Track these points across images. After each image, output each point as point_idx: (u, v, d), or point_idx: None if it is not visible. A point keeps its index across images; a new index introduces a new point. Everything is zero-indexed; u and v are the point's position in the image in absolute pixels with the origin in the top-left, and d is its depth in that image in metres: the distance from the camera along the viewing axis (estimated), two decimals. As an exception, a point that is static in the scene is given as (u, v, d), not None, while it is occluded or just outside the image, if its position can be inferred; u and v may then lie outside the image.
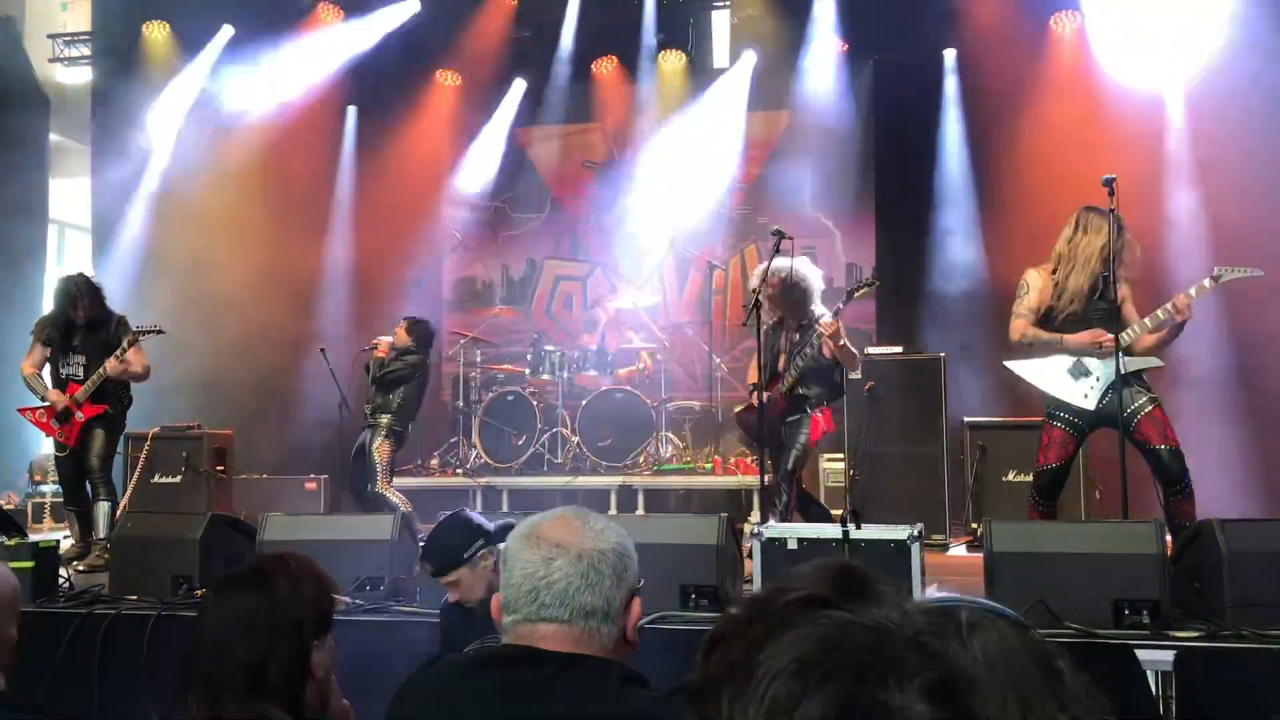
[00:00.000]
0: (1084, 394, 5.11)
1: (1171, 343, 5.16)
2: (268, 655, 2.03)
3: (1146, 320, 5.03)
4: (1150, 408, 4.99)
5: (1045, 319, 5.25)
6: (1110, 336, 4.98)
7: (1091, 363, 5.12)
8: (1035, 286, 5.28)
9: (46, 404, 6.63)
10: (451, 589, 3.36)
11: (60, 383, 6.65)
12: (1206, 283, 4.96)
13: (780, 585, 0.91)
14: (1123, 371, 4.97)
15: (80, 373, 6.62)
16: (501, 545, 1.80)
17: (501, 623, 1.70)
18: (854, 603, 0.88)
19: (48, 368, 6.75)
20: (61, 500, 7.47)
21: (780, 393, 6.11)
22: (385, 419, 7.52)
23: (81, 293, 6.64)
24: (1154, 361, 5.12)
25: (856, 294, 6.12)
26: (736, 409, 6.66)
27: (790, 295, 6.09)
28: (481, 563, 3.32)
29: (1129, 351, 5.05)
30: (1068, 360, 5.17)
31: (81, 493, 6.67)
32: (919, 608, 0.93)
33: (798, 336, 6.13)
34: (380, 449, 7.46)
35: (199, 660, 2.05)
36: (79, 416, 6.56)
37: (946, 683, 0.84)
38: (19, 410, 6.90)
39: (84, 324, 6.64)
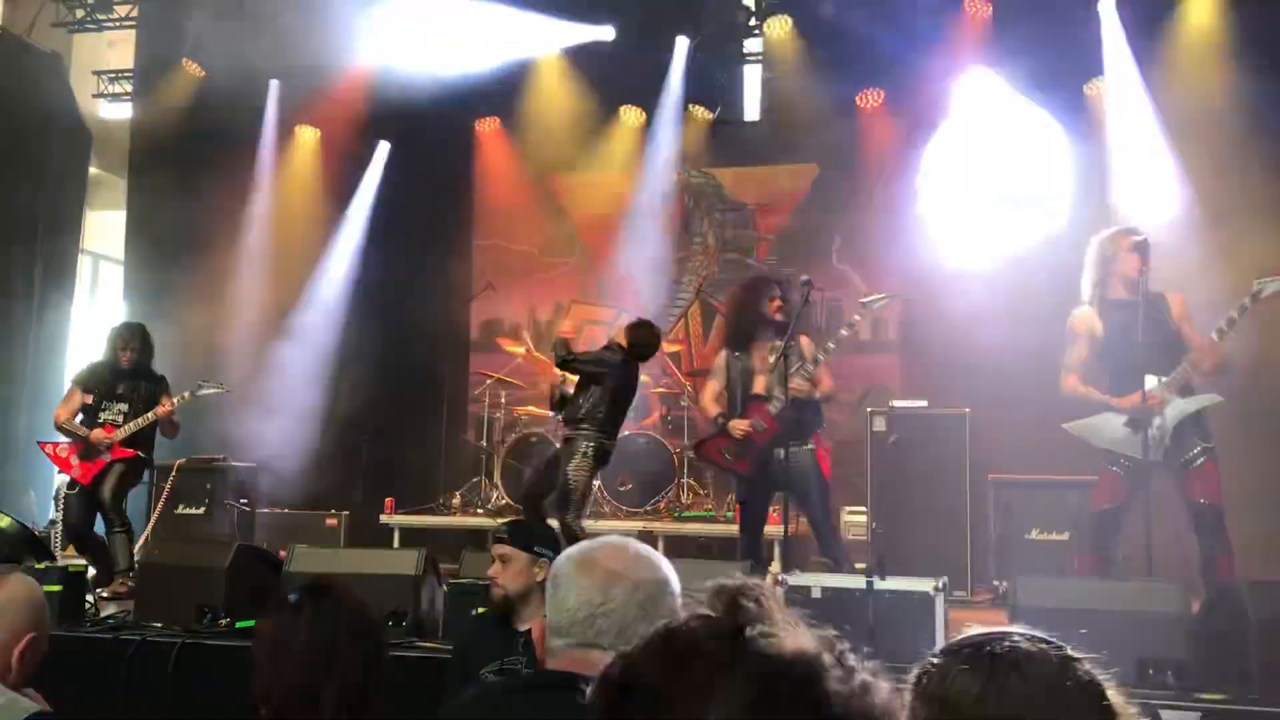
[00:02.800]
0: (1145, 444, 5.05)
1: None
2: (364, 660, 2.07)
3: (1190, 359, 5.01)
4: (1202, 460, 4.95)
5: (1104, 355, 5.22)
6: (1156, 396, 4.95)
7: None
8: (1083, 332, 5.25)
9: (70, 440, 6.72)
10: (498, 566, 3.43)
11: (94, 425, 6.75)
12: (1246, 301, 4.87)
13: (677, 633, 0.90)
14: (1181, 415, 4.95)
15: (120, 419, 6.74)
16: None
17: (547, 646, 1.71)
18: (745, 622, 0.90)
19: (80, 415, 6.84)
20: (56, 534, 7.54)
21: (769, 415, 5.74)
22: (585, 430, 6.34)
23: (133, 336, 6.81)
24: (1213, 398, 5.06)
25: (874, 305, 5.85)
26: (698, 441, 6.30)
27: (792, 308, 5.91)
28: (538, 566, 3.40)
29: (1187, 389, 5.03)
30: (1125, 412, 5.12)
31: (85, 538, 6.72)
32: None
33: (774, 358, 5.77)
34: (578, 470, 6.28)
35: (281, 668, 2.06)
36: (106, 457, 6.64)
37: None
38: (40, 444, 7.01)
39: (129, 369, 6.76)
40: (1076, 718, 1.00)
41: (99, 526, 6.81)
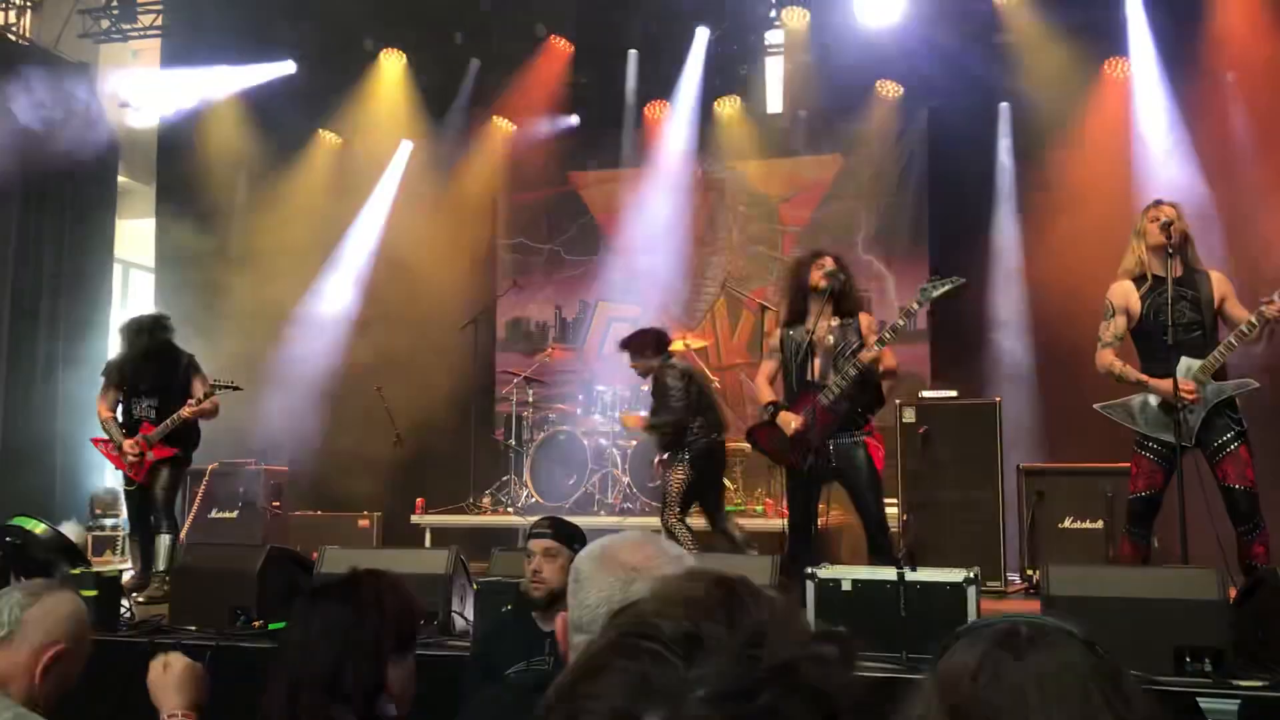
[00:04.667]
0: (1180, 431, 4.98)
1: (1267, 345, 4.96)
2: (346, 664, 2.07)
3: (1231, 339, 4.91)
4: (1235, 444, 4.89)
5: (1141, 334, 5.15)
6: (1193, 395, 4.87)
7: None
8: (1120, 306, 5.16)
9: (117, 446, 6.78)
10: (540, 560, 3.42)
11: (134, 423, 6.79)
12: (1277, 297, 4.79)
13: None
14: (1216, 399, 4.89)
15: (153, 414, 6.76)
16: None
17: (570, 642, 1.71)
18: None
19: (119, 408, 6.90)
20: (124, 533, 7.64)
21: (823, 406, 5.49)
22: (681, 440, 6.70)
23: (146, 325, 6.82)
24: (1249, 383, 4.99)
25: (937, 292, 5.46)
26: (750, 428, 6.14)
27: (846, 281, 5.67)
28: None
29: (1221, 373, 4.96)
30: (1159, 395, 5.04)
31: (147, 525, 6.79)
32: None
33: (831, 340, 5.59)
34: (674, 476, 6.64)
35: (283, 663, 2.09)
36: (150, 457, 6.70)
37: None
38: (92, 440, 7.07)
39: (152, 357, 6.77)
40: (1070, 713, 0.97)
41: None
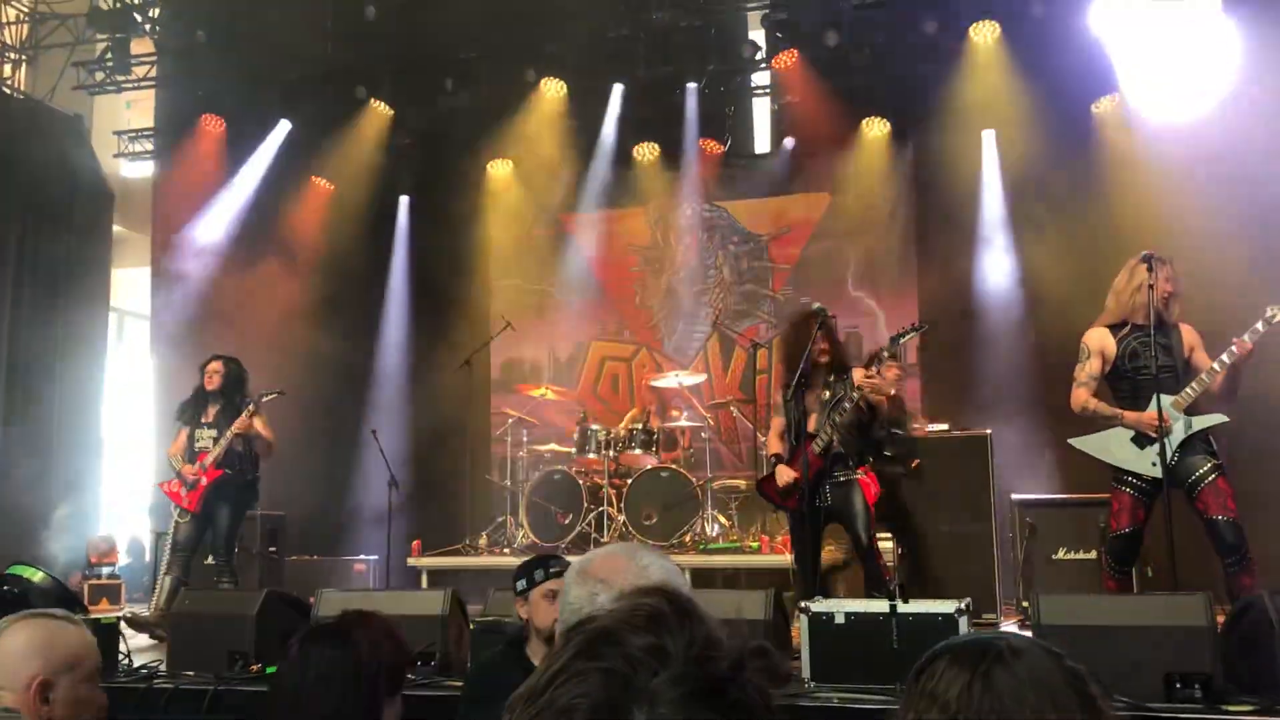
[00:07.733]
0: (1151, 462, 5.06)
1: (1237, 387, 5.06)
2: (343, 708, 2.11)
3: (1203, 375, 5.01)
4: (1213, 476, 4.96)
5: (1115, 376, 5.25)
6: (1165, 416, 4.95)
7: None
8: (1095, 349, 5.29)
9: (177, 476, 7.06)
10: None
11: (192, 454, 7.06)
12: (1260, 326, 4.89)
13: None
14: (1188, 432, 4.97)
15: (210, 444, 7.03)
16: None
17: None
18: None
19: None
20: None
21: (814, 454, 5.87)
22: None
23: (219, 362, 7.12)
24: (1219, 418, 5.07)
25: (903, 339, 6.00)
26: (759, 480, 6.54)
27: (836, 341, 6.10)
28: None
29: (1194, 409, 5.04)
30: (1131, 429, 5.16)
31: (189, 564, 6.96)
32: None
33: (827, 394, 5.94)
34: None
35: (278, 707, 2.13)
36: (203, 481, 6.88)
37: None
38: (159, 485, 7.43)
39: (214, 392, 7.02)
40: (1060, 713, 1.04)
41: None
